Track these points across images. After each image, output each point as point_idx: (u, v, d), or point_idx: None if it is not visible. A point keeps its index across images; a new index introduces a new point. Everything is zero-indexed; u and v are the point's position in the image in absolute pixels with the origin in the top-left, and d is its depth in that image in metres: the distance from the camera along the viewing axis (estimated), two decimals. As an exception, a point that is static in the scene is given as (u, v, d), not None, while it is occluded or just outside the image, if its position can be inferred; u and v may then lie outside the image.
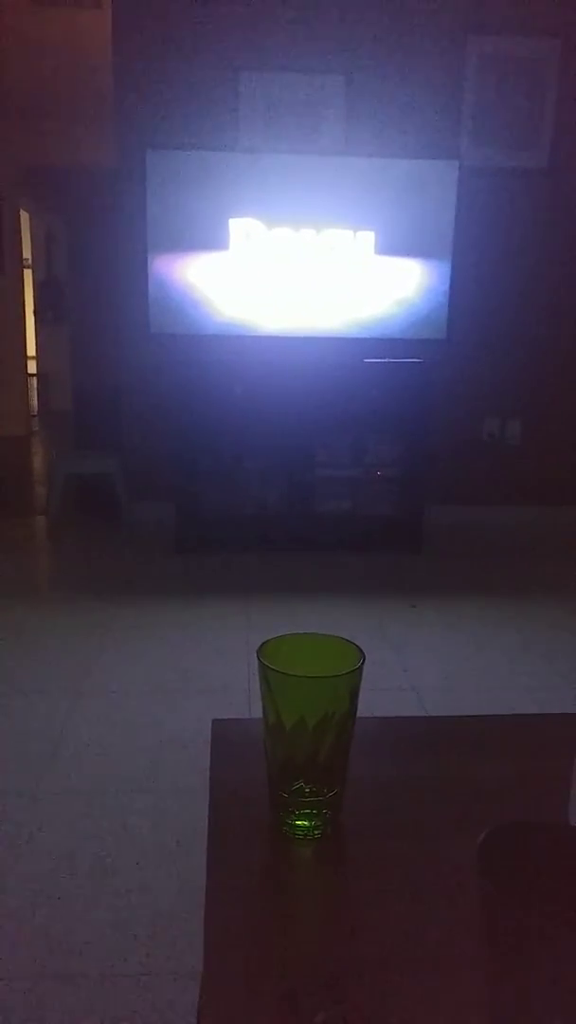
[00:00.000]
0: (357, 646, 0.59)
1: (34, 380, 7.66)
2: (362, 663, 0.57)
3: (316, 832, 0.58)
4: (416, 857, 0.55)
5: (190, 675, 2.23)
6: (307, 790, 0.58)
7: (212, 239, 3.16)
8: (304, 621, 2.63)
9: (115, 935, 1.28)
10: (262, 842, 0.57)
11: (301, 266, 3.20)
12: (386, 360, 3.24)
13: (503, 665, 2.35)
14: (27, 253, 6.94)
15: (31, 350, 7.26)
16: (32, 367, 7.46)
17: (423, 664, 2.33)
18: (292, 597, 2.88)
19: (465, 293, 3.46)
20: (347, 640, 0.61)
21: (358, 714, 0.59)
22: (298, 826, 0.58)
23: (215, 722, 0.74)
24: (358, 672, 0.57)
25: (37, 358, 7.85)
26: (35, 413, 7.52)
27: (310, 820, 0.58)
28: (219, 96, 3.34)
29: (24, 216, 6.63)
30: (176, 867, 1.44)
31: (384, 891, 0.52)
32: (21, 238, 6.45)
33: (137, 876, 1.42)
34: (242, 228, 3.16)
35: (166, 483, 3.46)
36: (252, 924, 0.49)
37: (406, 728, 0.74)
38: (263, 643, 0.59)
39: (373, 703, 2.11)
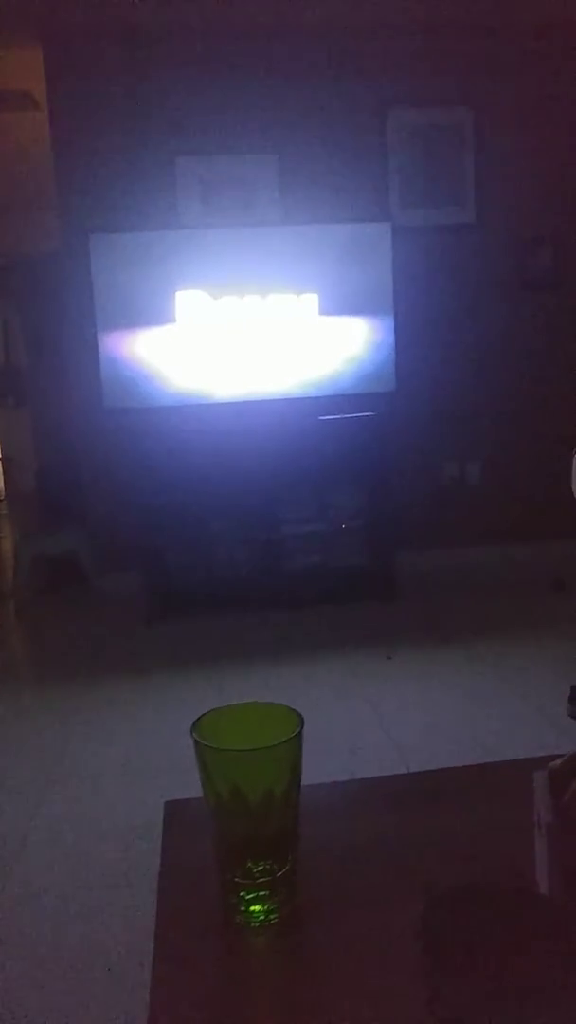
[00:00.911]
0: (297, 713, 0.58)
1: (-1, 465, 7.63)
2: (300, 730, 0.55)
3: (271, 917, 0.55)
4: (371, 934, 0.52)
5: (161, 754, 2.16)
6: (257, 869, 0.55)
7: (159, 313, 3.22)
8: (276, 684, 2.58)
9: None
10: (213, 934, 0.54)
11: (249, 332, 3.26)
12: (339, 416, 3.29)
13: (481, 709, 2.32)
14: (-17, 341, 6.99)
15: (-7, 435, 7.25)
16: (-4, 452, 7.44)
17: (401, 716, 2.29)
18: (265, 660, 2.83)
19: (410, 345, 3.55)
20: (288, 707, 0.59)
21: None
22: (252, 912, 0.55)
23: (168, 803, 0.71)
24: (298, 740, 0.55)
25: (0, 443, 7.84)
26: (1, 496, 7.47)
27: (263, 903, 0.55)
28: (157, 179, 3.46)
29: (-22, 305, 6.71)
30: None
31: (346, 974, 0.49)
32: (-24, 327, 6.51)
33: (104, 977, 1.34)
34: (188, 300, 3.23)
35: (133, 555, 3.43)
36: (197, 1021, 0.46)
37: (363, 790, 0.72)
38: (198, 718, 0.57)
39: (353, 760, 2.07)
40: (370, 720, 2.28)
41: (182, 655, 2.93)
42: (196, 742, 0.54)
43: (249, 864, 0.55)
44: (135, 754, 2.17)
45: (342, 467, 3.30)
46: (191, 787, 1.78)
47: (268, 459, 3.23)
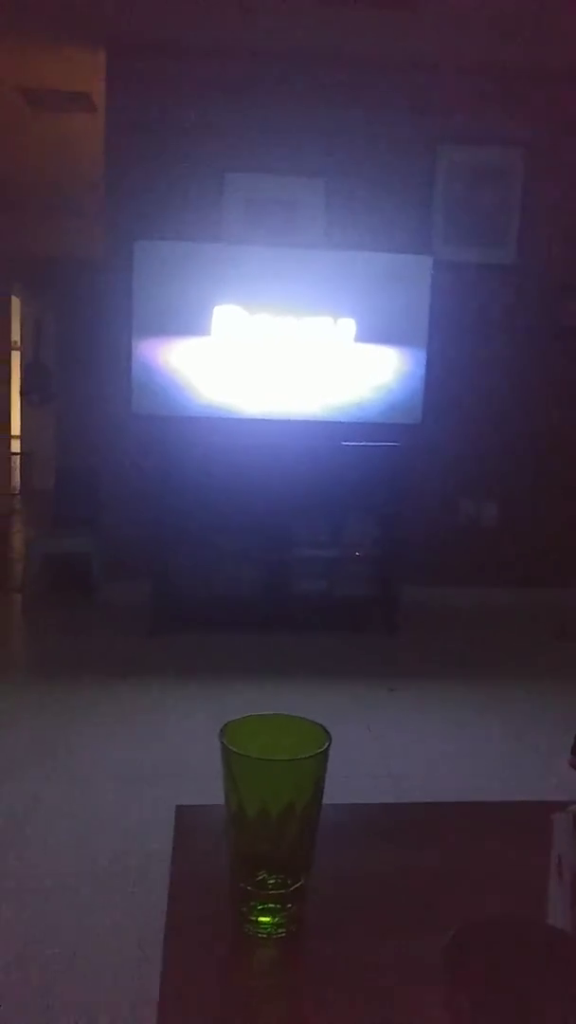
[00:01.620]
0: (324, 728, 0.58)
1: (18, 459, 7.69)
2: (328, 746, 0.56)
3: (280, 930, 0.55)
4: (383, 958, 0.52)
5: (160, 760, 2.15)
6: (271, 882, 0.55)
7: (195, 325, 3.25)
8: (279, 704, 2.55)
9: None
10: (222, 943, 0.54)
11: (282, 351, 3.29)
12: (363, 443, 3.30)
13: (481, 748, 2.30)
14: (16, 336, 7.10)
15: (16, 429, 7.32)
16: (16, 446, 7.50)
17: (401, 749, 2.28)
18: (267, 679, 2.82)
19: (440, 380, 3.57)
20: (314, 722, 0.59)
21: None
22: (261, 923, 0.55)
23: (179, 808, 0.71)
24: (324, 755, 0.55)
25: (21, 437, 7.91)
26: (17, 491, 7.51)
27: (273, 916, 0.55)
28: (204, 193, 3.52)
29: (15, 302, 6.82)
30: (138, 971, 1.35)
31: (351, 999, 0.49)
32: (11, 322, 6.61)
33: (99, 981, 1.32)
34: (225, 314, 3.26)
35: (143, 563, 3.44)
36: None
37: (376, 816, 0.72)
38: (225, 724, 0.57)
39: (349, 789, 2.05)
40: (368, 749, 2.26)
41: (183, 667, 2.92)
42: (224, 747, 0.54)
43: (263, 875, 0.55)
44: (133, 757, 2.16)
45: (359, 495, 3.31)
46: (187, 793, 1.78)
47: (287, 480, 3.24)
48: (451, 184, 3.57)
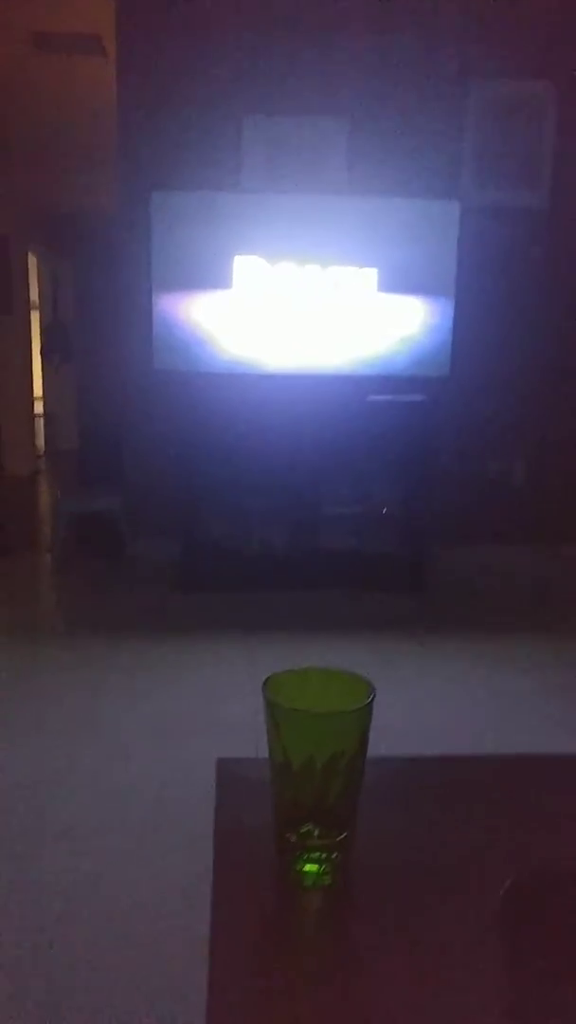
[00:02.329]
0: (368, 681, 0.57)
1: (40, 420, 7.71)
2: (373, 698, 0.55)
3: (325, 879, 0.55)
4: (432, 906, 0.52)
5: (192, 715, 2.19)
6: (316, 833, 0.55)
7: (216, 277, 3.20)
8: (307, 659, 2.58)
9: (121, 991, 1.22)
10: (269, 889, 0.54)
11: (305, 303, 3.23)
12: (389, 397, 3.25)
13: (512, 705, 2.30)
14: (34, 295, 7.05)
15: (37, 391, 7.33)
16: (38, 407, 7.52)
17: (430, 704, 2.29)
18: (295, 635, 2.84)
19: (468, 331, 3.48)
20: (356, 675, 0.58)
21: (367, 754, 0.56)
22: (306, 872, 0.55)
23: (220, 761, 0.71)
24: (369, 708, 0.54)
25: (43, 398, 7.92)
26: (41, 452, 7.56)
27: (319, 865, 0.55)
28: (222, 139, 3.42)
29: (32, 259, 6.76)
30: (181, 919, 1.39)
31: (398, 943, 0.49)
32: (28, 281, 6.56)
33: (139, 927, 1.36)
34: (246, 266, 3.20)
35: (169, 521, 3.45)
36: (258, 978, 0.46)
37: (419, 768, 0.71)
38: (268, 677, 0.56)
39: (378, 743, 2.06)
40: (399, 704, 2.27)
41: (213, 623, 2.95)
42: (268, 701, 0.54)
43: (309, 827, 0.55)
44: (167, 712, 2.20)
45: (386, 451, 3.27)
46: (221, 746, 1.80)
47: (312, 435, 3.21)
48: (481, 122, 3.43)
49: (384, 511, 3.35)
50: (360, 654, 2.66)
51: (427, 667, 2.56)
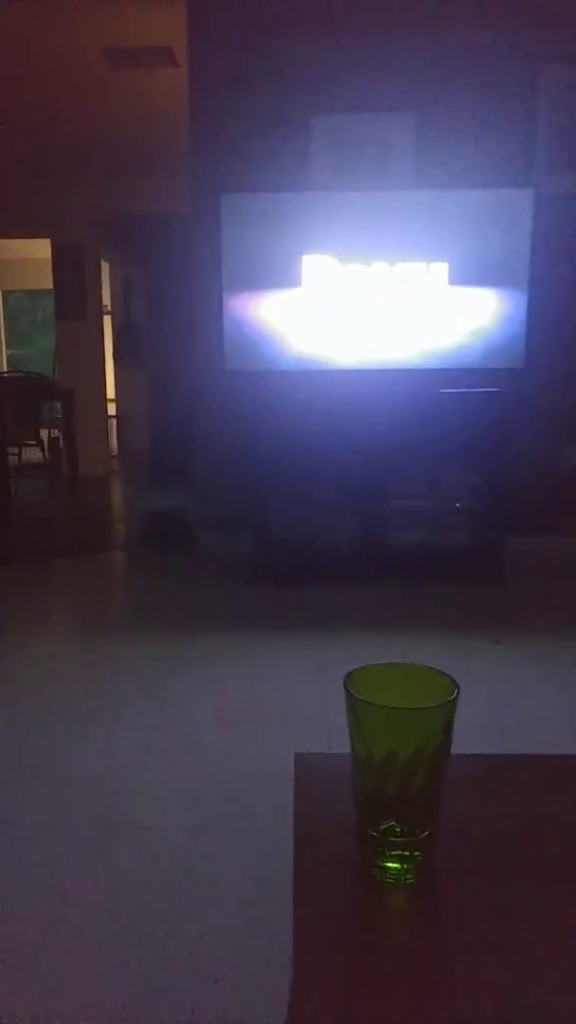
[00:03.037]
0: (450, 677, 0.56)
1: (114, 421, 7.91)
2: (457, 694, 0.54)
3: (408, 877, 0.54)
4: (520, 905, 0.51)
5: (264, 709, 2.20)
6: (398, 829, 0.54)
7: (286, 277, 3.21)
8: (380, 655, 2.56)
9: (193, 981, 1.24)
10: (351, 886, 0.54)
11: (374, 300, 3.20)
12: (462, 390, 3.19)
13: (594, 704, 2.23)
14: (106, 300, 7.24)
15: (111, 393, 7.52)
16: (111, 409, 7.72)
17: (507, 701, 2.23)
18: (367, 630, 2.83)
19: (543, 321, 3.39)
20: (438, 670, 0.57)
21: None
22: (388, 868, 0.55)
23: (298, 756, 0.71)
24: (453, 704, 0.54)
25: (116, 400, 8.12)
26: (115, 453, 7.75)
27: (401, 863, 0.54)
28: (290, 139, 3.42)
29: (104, 265, 6.93)
30: (256, 910, 1.40)
31: (486, 943, 0.48)
32: (101, 286, 6.73)
33: (215, 918, 1.38)
34: (315, 265, 3.20)
35: (240, 517, 3.48)
36: (340, 976, 0.46)
37: (502, 766, 0.70)
38: (349, 672, 0.56)
39: (455, 740, 2.03)
40: (475, 700, 2.23)
41: (285, 617, 2.96)
42: (351, 696, 0.54)
43: (391, 823, 0.54)
44: (241, 705, 2.22)
45: (459, 443, 3.21)
46: (296, 739, 1.80)
47: (384, 430, 3.19)
48: (554, 107, 3.32)
49: (457, 505, 3.29)
50: (434, 648, 2.63)
51: (504, 662, 2.50)
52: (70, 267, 6.34)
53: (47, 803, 1.75)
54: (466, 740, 2.05)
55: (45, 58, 4.04)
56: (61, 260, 6.36)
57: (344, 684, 0.55)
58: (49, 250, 6.42)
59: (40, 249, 6.67)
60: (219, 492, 3.75)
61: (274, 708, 2.20)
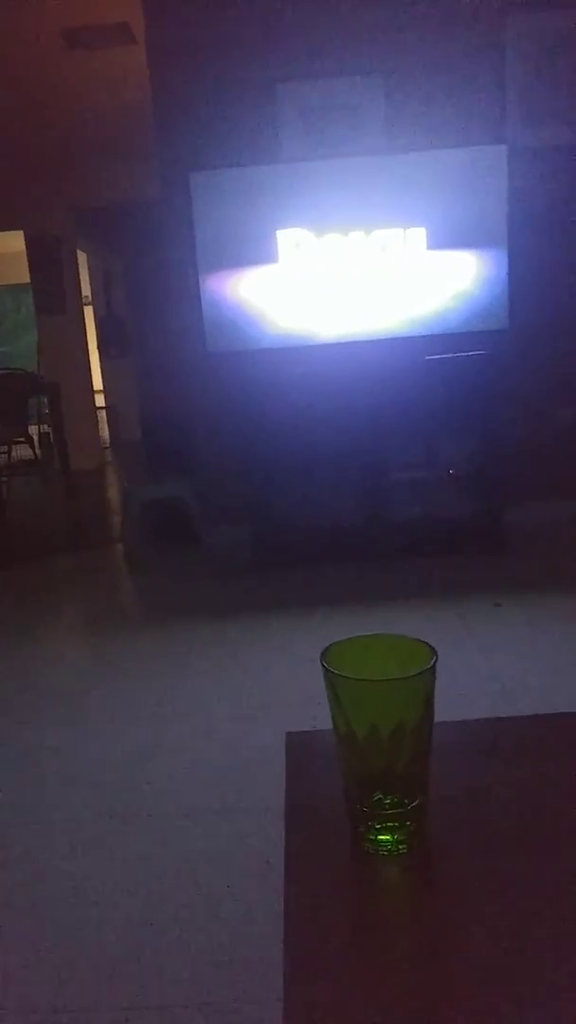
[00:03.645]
0: (429, 645, 0.55)
1: (103, 413, 7.87)
2: (434, 662, 0.53)
3: (400, 847, 0.54)
4: (515, 872, 0.50)
5: (272, 691, 2.20)
6: (387, 802, 0.53)
7: (261, 253, 3.16)
8: (385, 627, 2.56)
9: (206, 967, 1.25)
10: (343, 860, 0.53)
11: (353, 270, 3.16)
12: (448, 355, 3.16)
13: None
14: (86, 291, 7.16)
15: (97, 384, 7.47)
16: (100, 400, 7.68)
17: (510, 663, 2.24)
18: (372, 605, 2.83)
19: (525, 280, 3.35)
20: (417, 639, 0.56)
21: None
22: (380, 841, 0.54)
23: (289, 735, 0.70)
24: (431, 672, 0.53)
25: (104, 391, 8.08)
26: (107, 445, 7.72)
27: (392, 834, 0.54)
28: (257, 110, 3.36)
29: (81, 256, 6.85)
30: (266, 894, 1.40)
31: (480, 911, 0.47)
32: (80, 277, 6.66)
33: (229, 900, 1.39)
34: (290, 238, 3.15)
35: (239, 501, 3.47)
36: (334, 948, 0.46)
37: (494, 730, 0.69)
38: (327, 647, 0.55)
39: (459, 705, 2.04)
40: (478, 666, 2.23)
41: (288, 599, 2.96)
42: (327, 671, 0.53)
43: (379, 796, 0.53)
44: (244, 690, 2.22)
45: (449, 410, 3.19)
46: (298, 720, 1.80)
47: (373, 401, 3.16)
48: (523, 58, 3.25)
49: (451, 472, 3.28)
50: (435, 617, 2.63)
51: (507, 628, 2.50)
52: (46, 259, 6.27)
53: (55, 796, 1.76)
54: (471, 704, 2.05)
55: (3, 43, 3.96)
56: (36, 252, 6.29)
57: (320, 660, 0.54)
58: (23, 243, 6.34)
59: (15, 242, 6.59)
60: (216, 477, 3.73)
61: (282, 690, 2.20)
